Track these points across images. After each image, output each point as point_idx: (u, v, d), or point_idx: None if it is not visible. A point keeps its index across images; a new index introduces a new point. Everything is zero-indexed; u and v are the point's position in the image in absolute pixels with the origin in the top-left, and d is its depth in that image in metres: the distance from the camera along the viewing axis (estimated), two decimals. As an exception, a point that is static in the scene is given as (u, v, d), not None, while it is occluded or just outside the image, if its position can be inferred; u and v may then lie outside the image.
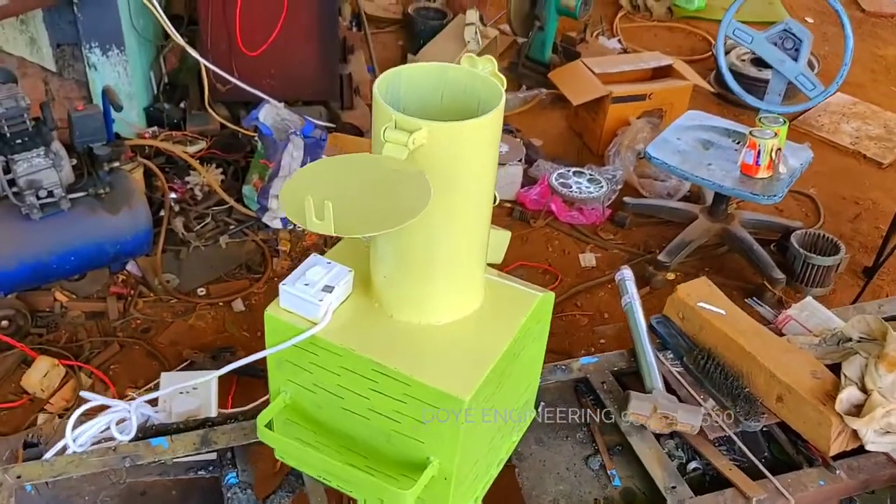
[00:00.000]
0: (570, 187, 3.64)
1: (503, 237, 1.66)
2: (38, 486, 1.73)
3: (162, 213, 3.36)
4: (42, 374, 2.78)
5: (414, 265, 1.37)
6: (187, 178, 3.55)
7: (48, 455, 1.61)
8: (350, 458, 1.47)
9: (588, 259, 3.54)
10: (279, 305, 1.41)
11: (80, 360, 2.89)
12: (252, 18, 3.57)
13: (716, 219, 3.48)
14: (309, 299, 1.37)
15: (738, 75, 3.86)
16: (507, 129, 4.13)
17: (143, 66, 3.76)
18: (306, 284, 1.39)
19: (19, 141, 2.82)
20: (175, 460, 1.65)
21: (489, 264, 1.63)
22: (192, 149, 3.62)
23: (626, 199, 3.71)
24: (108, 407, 1.66)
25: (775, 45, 3.35)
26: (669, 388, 1.80)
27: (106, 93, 2.99)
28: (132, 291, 3.17)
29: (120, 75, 3.57)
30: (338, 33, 3.76)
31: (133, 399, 1.71)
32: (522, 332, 1.44)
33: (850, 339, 1.80)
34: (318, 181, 1.16)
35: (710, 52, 5.05)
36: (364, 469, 1.43)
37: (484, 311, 1.45)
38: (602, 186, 3.66)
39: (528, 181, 3.86)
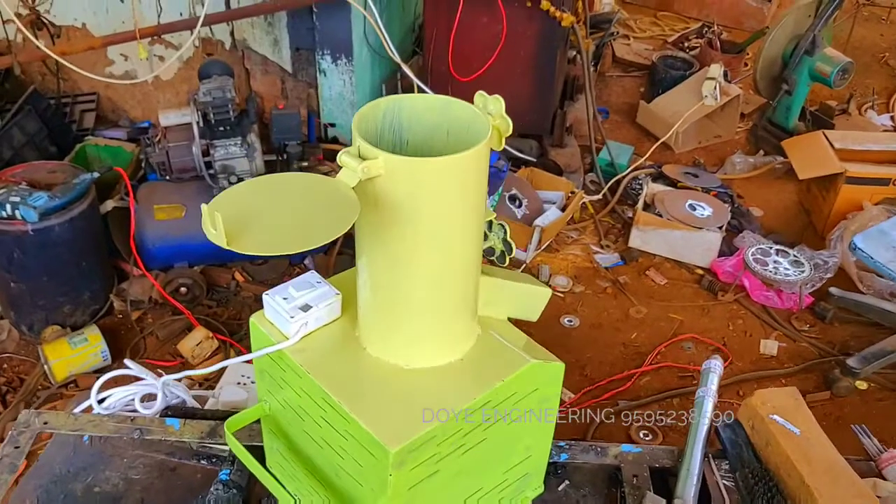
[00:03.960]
0: (767, 265, 3.31)
1: (541, 294, 1.54)
2: (92, 439, 1.88)
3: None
4: (196, 343, 3.01)
5: (383, 302, 1.31)
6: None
7: (76, 409, 1.74)
8: (310, 483, 1.44)
9: (770, 347, 3.19)
10: (264, 314, 1.42)
11: (234, 339, 3.10)
12: (469, 46, 3.64)
13: (933, 332, 3.01)
14: (282, 314, 1.36)
15: None
16: (726, 194, 3.85)
17: (372, 79, 3.96)
18: (285, 298, 1.37)
19: (221, 128, 3.09)
20: (186, 444, 1.72)
21: (523, 322, 1.53)
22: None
23: (831, 289, 3.31)
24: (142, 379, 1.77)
25: None
26: (708, 502, 1.58)
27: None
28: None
29: (345, 83, 3.78)
30: (555, 70, 3.71)
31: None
32: (499, 395, 1.33)
33: (944, 501, 1.47)
34: (250, 196, 1.14)
35: None
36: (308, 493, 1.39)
37: (461, 365, 1.36)
38: (804, 271, 3.29)
39: (732, 251, 3.57)
